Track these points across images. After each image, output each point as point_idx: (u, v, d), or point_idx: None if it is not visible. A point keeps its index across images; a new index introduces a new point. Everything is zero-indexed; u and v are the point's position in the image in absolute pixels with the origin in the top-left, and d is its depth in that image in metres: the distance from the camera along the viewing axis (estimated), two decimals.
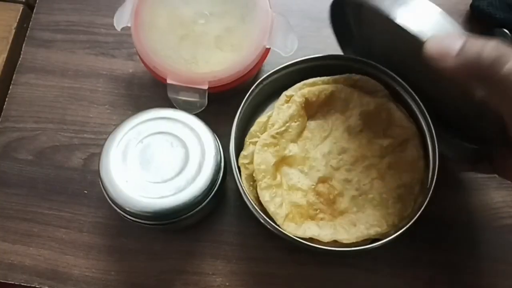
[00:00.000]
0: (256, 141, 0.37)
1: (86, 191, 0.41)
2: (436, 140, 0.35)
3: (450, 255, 0.38)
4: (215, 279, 0.38)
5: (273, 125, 0.36)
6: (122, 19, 0.38)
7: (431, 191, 0.35)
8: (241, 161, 0.37)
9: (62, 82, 0.44)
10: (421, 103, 0.37)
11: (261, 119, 0.38)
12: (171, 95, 0.37)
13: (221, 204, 0.40)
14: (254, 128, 0.37)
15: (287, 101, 0.37)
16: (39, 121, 0.43)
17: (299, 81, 0.39)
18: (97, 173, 0.40)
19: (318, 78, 0.38)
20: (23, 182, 0.41)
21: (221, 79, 0.36)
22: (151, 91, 0.43)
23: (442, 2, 0.31)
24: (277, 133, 0.36)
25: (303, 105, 0.37)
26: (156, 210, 0.33)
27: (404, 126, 0.36)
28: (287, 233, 0.33)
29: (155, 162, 0.34)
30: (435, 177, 0.35)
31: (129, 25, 0.38)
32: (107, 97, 0.43)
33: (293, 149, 0.37)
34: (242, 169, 0.37)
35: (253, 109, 0.40)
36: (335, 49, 0.44)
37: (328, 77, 0.38)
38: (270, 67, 0.40)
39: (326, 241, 0.34)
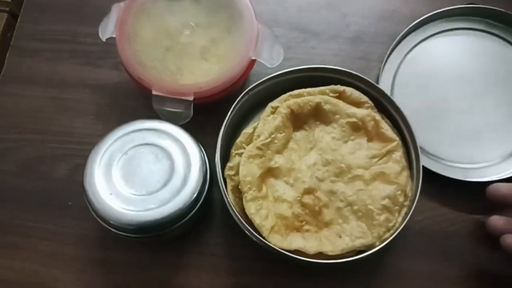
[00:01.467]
0: (242, 152, 0.37)
1: (70, 203, 0.40)
2: (419, 152, 0.36)
3: (437, 266, 0.39)
4: None
5: (258, 136, 0.36)
6: (107, 30, 0.38)
7: (415, 202, 0.35)
8: (227, 172, 0.37)
9: (47, 92, 0.43)
10: (405, 115, 0.37)
11: (247, 130, 0.38)
12: (156, 106, 0.37)
13: (208, 215, 0.40)
14: (240, 139, 0.37)
15: (272, 112, 0.37)
16: (24, 132, 0.42)
17: (285, 92, 0.39)
18: (82, 184, 0.40)
19: (303, 90, 0.38)
20: (7, 194, 0.40)
21: (206, 90, 0.36)
22: (137, 101, 0.43)
23: None
24: (262, 145, 0.36)
25: (288, 116, 0.37)
26: (140, 222, 0.33)
27: (389, 138, 0.36)
28: (272, 246, 0.33)
29: (140, 174, 0.34)
30: (419, 188, 0.35)
31: (113, 35, 0.37)
32: (93, 107, 0.43)
33: (278, 160, 0.37)
34: (228, 180, 0.36)
35: (239, 119, 0.40)
36: (321, 60, 0.45)
37: (314, 88, 0.38)
38: (256, 77, 0.41)
39: (311, 253, 0.34)
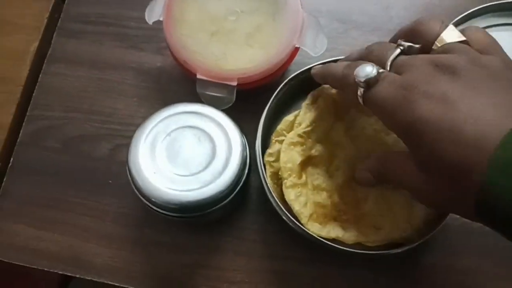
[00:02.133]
0: (282, 140, 0.37)
1: (110, 181, 0.41)
2: None
3: (474, 263, 0.38)
4: (236, 275, 0.38)
5: (300, 124, 0.36)
6: (153, 13, 0.39)
7: None
8: (266, 158, 0.37)
9: (90, 73, 0.44)
10: None
11: (288, 117, 0.38)
12: (200, 90, 0.37)
13: (244, 201, 0.40)
14: (280, 126, 0.38)
15: (314, 101, 0.37)
16: (67, 110, 0.43)
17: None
18: (123, 164, 0.41)
19: None
20: (49, 170, 0.42)
21: (250, 76, 0.37)
22: (178, 85, 0.44)
23: None
24: (303, 132, 0.36)
25: (330, 105, 0.37)
26: (183, 202, 0.33)
27: None
28: (311, 233, 0.33)
29: (183, 156, 0.34)
30: None
31: (161, 19, 0.38)
32: (135, 90, 0.44)
33: (319, 149, 0.37)
34: (267, 166, 0.37)
35: (279, 107, 0.40)
36: None
37: None
38: (296, 66, 0.41)
39: (349, 243, 0.34)
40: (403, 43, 0.29)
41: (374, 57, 0.30)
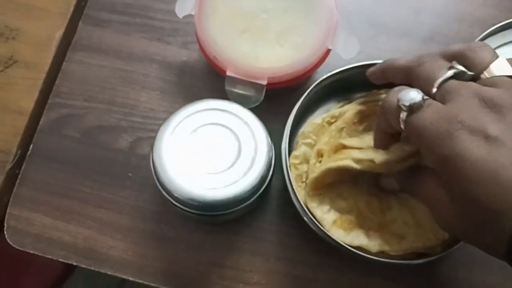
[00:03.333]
0: (309, 143, 0.36)
1: (130, 174, 0.41)
2: None
3: (494, 278, 0.38)
4: (252, 276, 0.38)
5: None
6: (185, 7, 0.38)
7: None
8: (291, 161, 0.36)
9: (114, 64, 0.44)
10: None
11: (316, 120, 0.37)
12: (228, 87, 0.37)
13: (265, 202, 0.40)
14: (307, 129, 0.37)
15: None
16: (89, 100, 0.43)
17: (352, 86, 0.39)
18: (143, 157, 0.41)
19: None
20: (69, 159, 0.41)
21: (280, 76, 0.36)
22: (202, 81, 0.43)
23: None
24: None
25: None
26: (206, 201, 0.33)
27: None
28: (335, 239, 0.33)
29: (208, 153, 0.34)
30: None
31: (192, 13, 0.37)
32: (159, 83, 0.43)
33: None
34: (292, 168, 0.36)
35: (304, 109, 0.40)
36: (390, 56, 0.43)
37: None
38: (325, 67, 0.40)
39: (373, 251, 0.33)
40: (457, 66, 0.28)
41: (424, 72, 0.28)
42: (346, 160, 0.31)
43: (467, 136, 0.25)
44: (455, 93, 0.26)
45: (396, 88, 0.29)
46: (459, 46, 0.29)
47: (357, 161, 0.31)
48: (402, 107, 0.27)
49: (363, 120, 0.37)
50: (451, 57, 0.28)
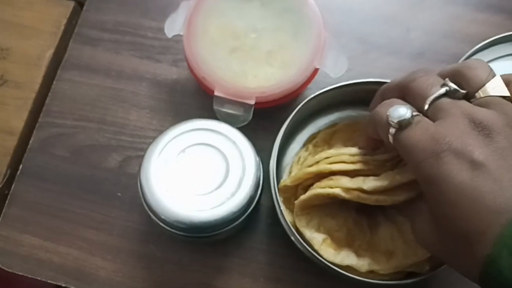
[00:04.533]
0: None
1: (119, 194, 0.40)
2: None
3: None
4: None
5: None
6: (173, 27, 0.38)
7: None
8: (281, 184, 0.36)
9: (104, 82, 0.44)
10: None
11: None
12: (216, 107, 0.37)
13: (253, 220, 0.39)
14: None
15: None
16: (79, 119, 0.43)
17: (341, 103, 0.39)
18: (132, 176, 0.40)
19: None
20: (58, 178, 0.41)
21: (268, 95, 0.36)
22: (193, 99, 0.43)
23: None
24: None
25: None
26: (193, 222, 0.32)
27: None
28: (324, 259, 0.33)
29: (196, 174, 0.34)
30: None
31: (181, 33, 0.38)
32: (148, 101, 0.43)
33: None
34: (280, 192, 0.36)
35: (293, 127, 0.40)
36: (380, 74, 0.44)
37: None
38: (314, 85, 0.40)
39: (363, 271, 0.33)
40: (449, 84, 0.27)
41: (417, 87, 0.28)
42: (335, 188, 0.31)
43: (452, 159, 0.24)
44: (445, 111, 0.26)
45: (388, 101, 0.29)
46: (457, 64, 0.29)
47: (346, 190, 0.31)
48: (391, 123, 0.27)
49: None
50: (447, 74, 0.28)
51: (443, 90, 0.27)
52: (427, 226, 0.27)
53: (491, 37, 0.43)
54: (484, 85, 0.27)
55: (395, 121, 0.27)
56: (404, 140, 0.27)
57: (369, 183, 0.30)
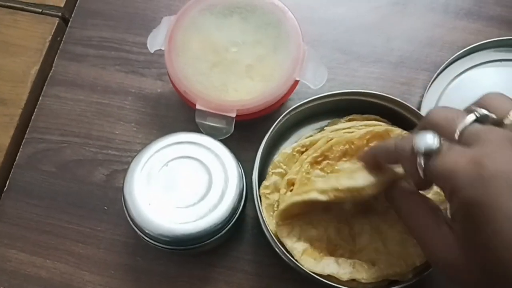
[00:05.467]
0: (279, 172, 0.37)
1: (106, 207, 0.41)
2: None
3: None
4: None
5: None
6: (155, 42, 0.39)
7: None
8: (262, 190, 0.37)
9: (90, 97, 0.44)
10: None
11: (286, 150, 0.38)
12: (198, 120, 0.37)
13: (239, 231, 0.40)
14: (278, 159, 0.37)
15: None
16: (65, 134, 0.43)
17: (323, 113, 0.40)
18: (119, 190, 0.41)
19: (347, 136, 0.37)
20: (45, 193, 0.41)
21: (249, 108, 0.37)
22: (177, 112, 0.44)
23: None
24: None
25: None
26: (177, 235, 0.33)
27: None
28: (305, 269, 0.33)
29: (179, 187, 0.34)
30: None
31: (162, 48, 0.38)
32: (134, 115, 0.44)
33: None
34: (262, 198, 0.36)
35: (276, 137, 0.40)
36: (362, 83, 0.45)
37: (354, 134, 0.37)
38: (296, 95, 0.41)
39: (344, 279, 0.33)
40: (478, 109, 0.25)
41: (442, 118, 0.26)
42: (311, 192, 0.31)
43: (502, 183, 0.22)
44: (482, 137, 0.24)
45: (410, 135, 0.27)
46: (476, 100, 0.27)
47: (322, 191, 0.31)
48: (418, 153, 0.25)
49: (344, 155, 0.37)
50: (470, 108, 0.26)
51: (471, 117, 0.25)
52: (452, 251, 0.25)
53: (470, 43, 0.44)
54: (509, 111, 0.25)
55: (422, 149, 0.25)
56: (439, 166, 0.24)
57: (344, 181, 0.30)
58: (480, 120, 0.25)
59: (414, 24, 0.47)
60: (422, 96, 0.43)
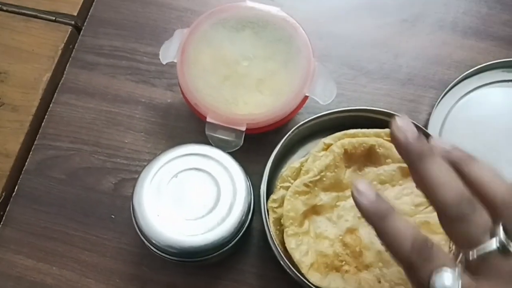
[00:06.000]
0: (287, 186, 0.37)
1: (113, 216, 0.41)
2: None
3: None
4: None
5: (307, 172, 0.36)
6: (168, 54, 0.39)
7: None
8: (270, 204, 0.37)
9: (100, 105, 0.45)
10: None
11: (294, 164, 0.38)
12: (208, 132, 0.38)
13: (245, 243, 0.40)
14: (286, 173, 0.38)
15: (325, 149, 0.38)
16: (75, 142, 0.44)
17: (332, 128, 0.40)
18: (127, 199, 0.41)
19: (358, 130, 0.38)
20: (53, 200, 0.42)
21: (259, 122, 0.37)
22: (186, 122, 0.44)
23: None
24: (310, 182, 0.36)
25: (341, 155, 0.37)
26: (184, 247, 0.33)
27: None
28: (311, 284, 0.33)
29: (187, 199, 0.34)
30: None
31: (175, 60, 0.39)
32: (143, 125, 0.44)
33: (324, 198, 0.37)
34: (270, 212, 0.37)
35: (284, 151, 0.41)
36: (370, 99, 0.45)
37: (369, 130, 0.38)
38: (305, 110, 0.41)
39: None
40: (501, 236, 0.24)
41: (464, 230, 0.24)
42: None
43: None
44: (493, 271, 0.23)
45: (425, 248, 0.25)
46: (498, 191, 0.25)
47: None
48: None
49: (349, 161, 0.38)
50: (493, 209, 0.25)
51: (493, 245, 0.24)
52: None
53: (478, 62, 0.45)
54: None
55: None
56: None
57: None
58: (500, 248, 0.24)
59: (422, 41, 0.47)
60: (429, 114, 0.44)
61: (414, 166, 0.26)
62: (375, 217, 0.26)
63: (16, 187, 0.42)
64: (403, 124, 0.26)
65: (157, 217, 0.34)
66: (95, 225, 0.41)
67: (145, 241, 0.34)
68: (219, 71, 0.38)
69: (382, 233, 0.26)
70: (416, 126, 0.38)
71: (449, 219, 0.25)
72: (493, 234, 0.24)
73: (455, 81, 0.44)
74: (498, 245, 0.23)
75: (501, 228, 0.24)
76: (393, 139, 0.27)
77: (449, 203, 0.24)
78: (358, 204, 0.26)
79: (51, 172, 0.43)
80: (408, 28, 0.48)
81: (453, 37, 0.47)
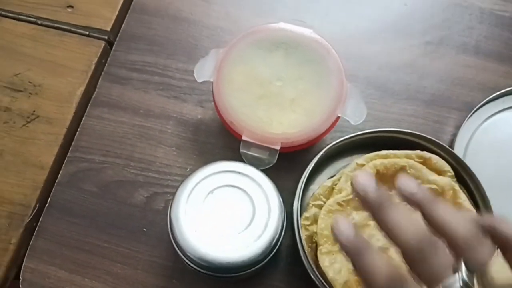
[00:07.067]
0: (319, 204, 0.38)
1: (145, 229, 0.42)
2: None
3: None
4: None
5: (340, 191, 0.37)
6: (203, 73, 0.40)
7: None
8: (302, 222, 0.38)
9: (133, 120, 0.46)
10: (483, 188, 0.38)
11: (326, 183, 0.39)
12: (243, 150, 0.39)
13: (274, 259, 0.41)
14: (318, 191, 0.39)
15: (357, 169, 0.38)
16: (107, 155, 0.44)
17: (358, 147, 0.40)
18: (158, 212, 0.42)
19: (390, 152, 0.39)
20: (86, 212, 0.42)
21: (293, 141, 0.38)
22: (217, 138, 0.45)
23: None
24: (343, 201, 0.37)
25: (374, 176, 0.38)
26: (221, 263, 0.34)
27: (466, 208, 0.37)
28: None
29: (223, 215, 0.35)
30: None
31: (211, 80, 0.40)
32: (175, 139, 0.45)
33: (355, 216, 0.38)
34: (302, 230, 0.38)
35: (315, 169, 0.41)
36: (395, 119, 0.46)
37: (400, 152, 0.39)
38: (336, 128, 0.42)
39: None
40: (464, 275, 0.25)
41: (428, 267, 0.25)
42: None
43: None
44: None
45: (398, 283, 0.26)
46: (459, 229, 0.25)
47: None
48: None
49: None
50: (454, 247, 0.25)
51: (456, 282, 0.24)
52: None
53: (500, 85, 0.46)
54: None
55: None
56: None
57: None
58: (463, 286, 0.25)
59: (446, 64, 0.49)
60: (453, 135, 0.45)
61: (376, 216, 0.27)
62: (353, 253, 0.27)
63: (49, 199, 0.43)
64: (362, 180, 0.28)
65: (194, 232, 0.34)
66: (127, 238, 0.42)
67: (182, 256, 0.35)
68: (253, 90, 0.40)
69: (359, 268, 0.27)
70: (441, 147, 0.40)
71: (412, 260, 0.26)
72: (455, 270, 0.25)
73: (480, 105, 0.45)
74: (461, 283, 0.24)
75: (463, 265, 0.25)
76: (355, 193, 0.28)
77: (409, 246, 0.25)
78: (338, 241, 0.27)
79: (83, 185, 0.43)
80: (432, 51, 0.49)
81: (476, 60, 0.49)
